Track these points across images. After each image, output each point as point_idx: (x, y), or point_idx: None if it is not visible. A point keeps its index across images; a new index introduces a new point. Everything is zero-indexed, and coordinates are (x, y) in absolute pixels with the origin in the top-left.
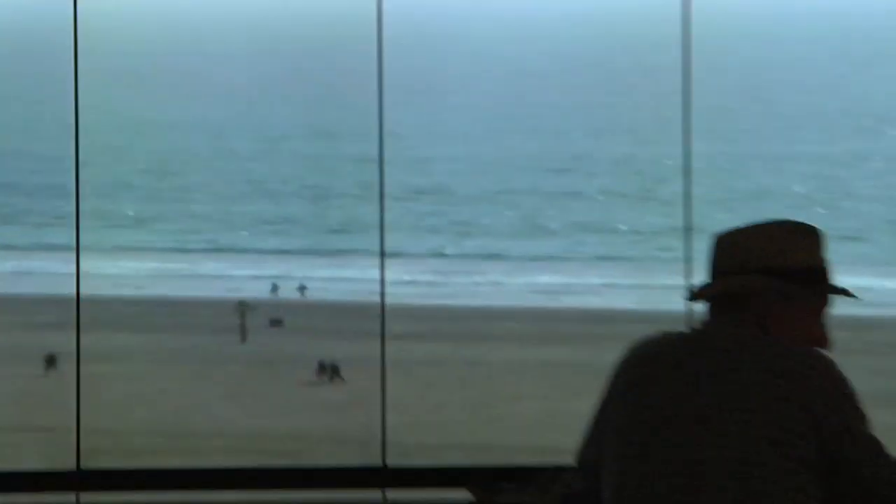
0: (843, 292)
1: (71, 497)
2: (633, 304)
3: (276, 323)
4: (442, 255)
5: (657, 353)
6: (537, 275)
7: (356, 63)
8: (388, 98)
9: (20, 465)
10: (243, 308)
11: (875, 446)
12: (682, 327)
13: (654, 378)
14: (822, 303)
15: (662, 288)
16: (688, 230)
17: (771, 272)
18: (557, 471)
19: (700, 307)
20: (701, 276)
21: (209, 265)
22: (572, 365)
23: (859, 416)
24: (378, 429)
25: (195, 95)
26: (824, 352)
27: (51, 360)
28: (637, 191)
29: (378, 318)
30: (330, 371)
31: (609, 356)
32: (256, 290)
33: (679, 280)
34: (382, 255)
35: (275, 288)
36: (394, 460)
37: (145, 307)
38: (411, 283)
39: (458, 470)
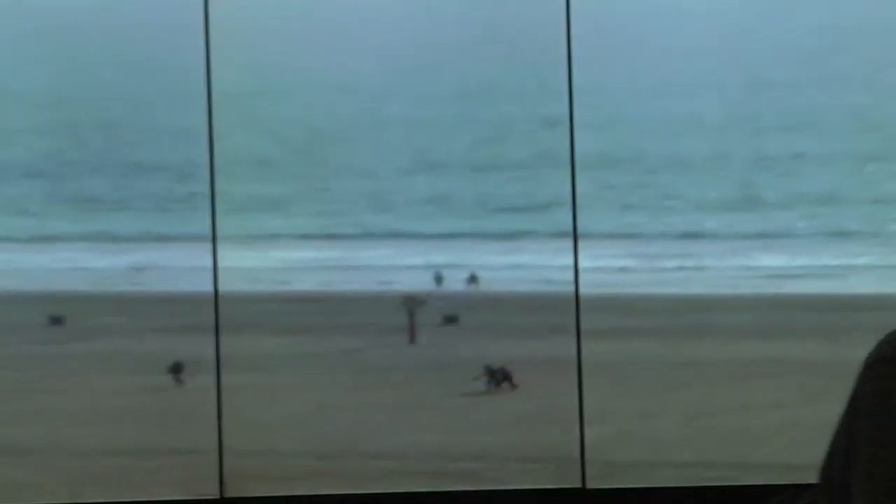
0: None
1: None
2: (876, 289)
3: (450, 320)
4: (639, 235)
5: None
6: (756, 256)
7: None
8: (575, 44)
9: (157, 495)
10: (412, 303)
11: None
12: None
13: None
14: None
15: None
16: None
17: None
18: (797, 491)
19: None
20: None
21: (361, 253)
22: (806, 363)
23: None
24: (574, 445)
25: (343, 51)
26: None
27: (177, 370)
28: (876, 152)
29: (566, 312)
30: (498, 376)
31: (850, 352)
32: (417, 282)
33: None
34: (575, 237)
35: (439, 278)
36: (595, 482)
37: (291, 305)
38: (602, 269)
39: (672, 492)
